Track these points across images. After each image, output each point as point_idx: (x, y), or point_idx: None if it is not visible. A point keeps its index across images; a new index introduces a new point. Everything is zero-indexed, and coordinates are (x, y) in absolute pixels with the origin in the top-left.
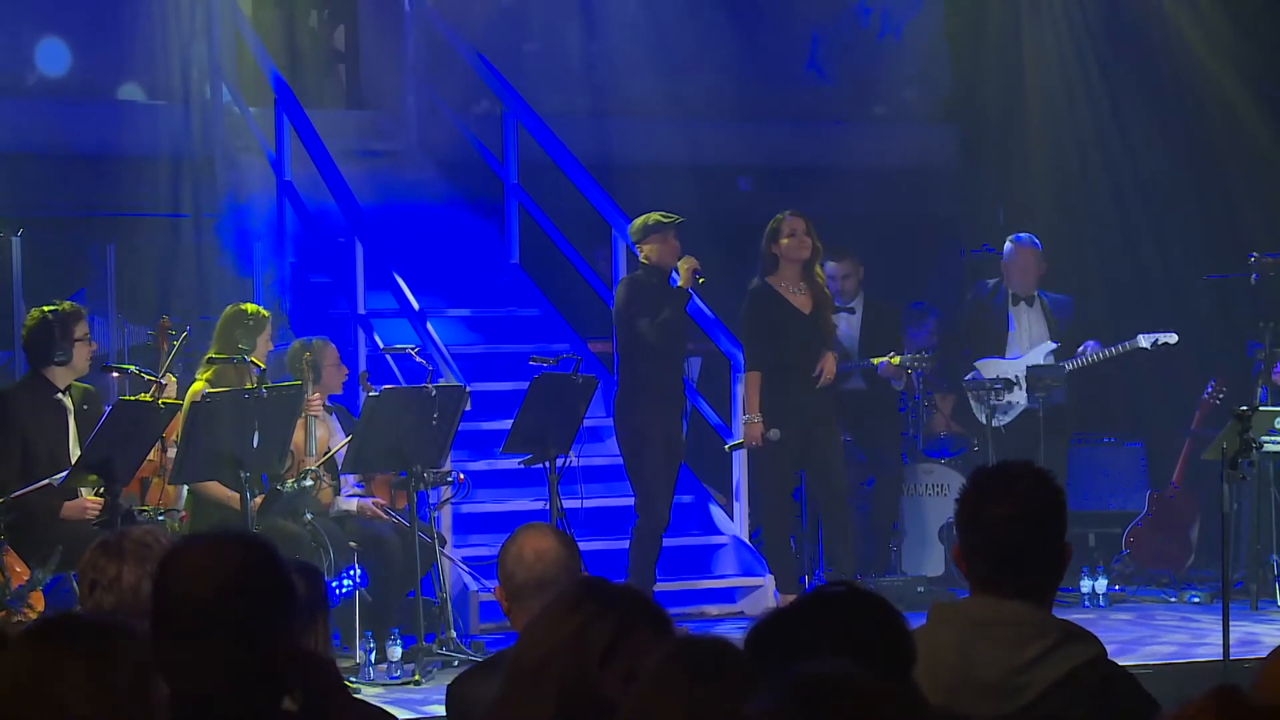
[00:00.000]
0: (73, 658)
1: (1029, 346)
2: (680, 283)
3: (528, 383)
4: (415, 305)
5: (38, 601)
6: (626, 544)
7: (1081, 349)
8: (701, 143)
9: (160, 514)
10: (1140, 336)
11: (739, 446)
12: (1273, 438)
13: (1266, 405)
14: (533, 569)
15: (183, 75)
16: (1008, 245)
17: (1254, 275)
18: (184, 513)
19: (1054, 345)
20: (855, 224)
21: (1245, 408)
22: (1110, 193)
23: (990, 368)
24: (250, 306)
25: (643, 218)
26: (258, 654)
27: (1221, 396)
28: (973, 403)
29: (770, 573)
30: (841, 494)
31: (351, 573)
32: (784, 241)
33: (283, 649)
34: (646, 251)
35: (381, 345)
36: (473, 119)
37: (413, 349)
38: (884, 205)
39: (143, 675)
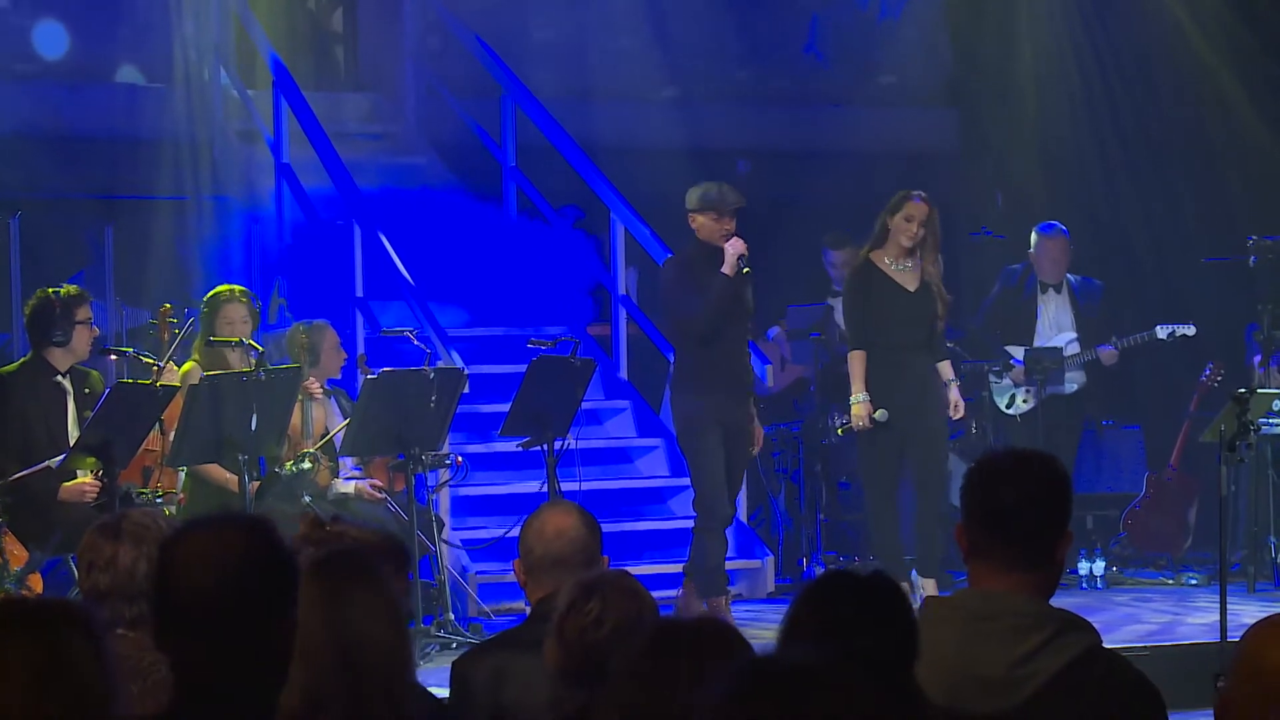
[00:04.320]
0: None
1: (1055, 334)
2: (725, 268)
3: (526, 365)
4: (414, 287)
5: (36, 583)
6: (624, 526)
7: (1095, 353)
8: (700, 125)
9: (158, 496)
10: (1158, 328)
11: (849, 429)
12: (1271, 420)
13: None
14: (551, 546)
15: (181, 57)
16: (1035, 235)
17: (1252, 258)
18: (181, 495)
19: (1074, 335)
20: (854, 207)
21: (1243, 390)
22: (1106, 176)
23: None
24: (222, 288)
25: (703, 186)
26: (261, 637)
27: (1220, 379)
28: (992, 386)
29: (872, 558)
30: (937, 480)
31: None
32: (899, 222)
33: (286, 631)
34: (697, 225)
35: (380, 328)
36: (471, 101)
37: (411, 332)
38: (883, 188)
39: (94, 662)
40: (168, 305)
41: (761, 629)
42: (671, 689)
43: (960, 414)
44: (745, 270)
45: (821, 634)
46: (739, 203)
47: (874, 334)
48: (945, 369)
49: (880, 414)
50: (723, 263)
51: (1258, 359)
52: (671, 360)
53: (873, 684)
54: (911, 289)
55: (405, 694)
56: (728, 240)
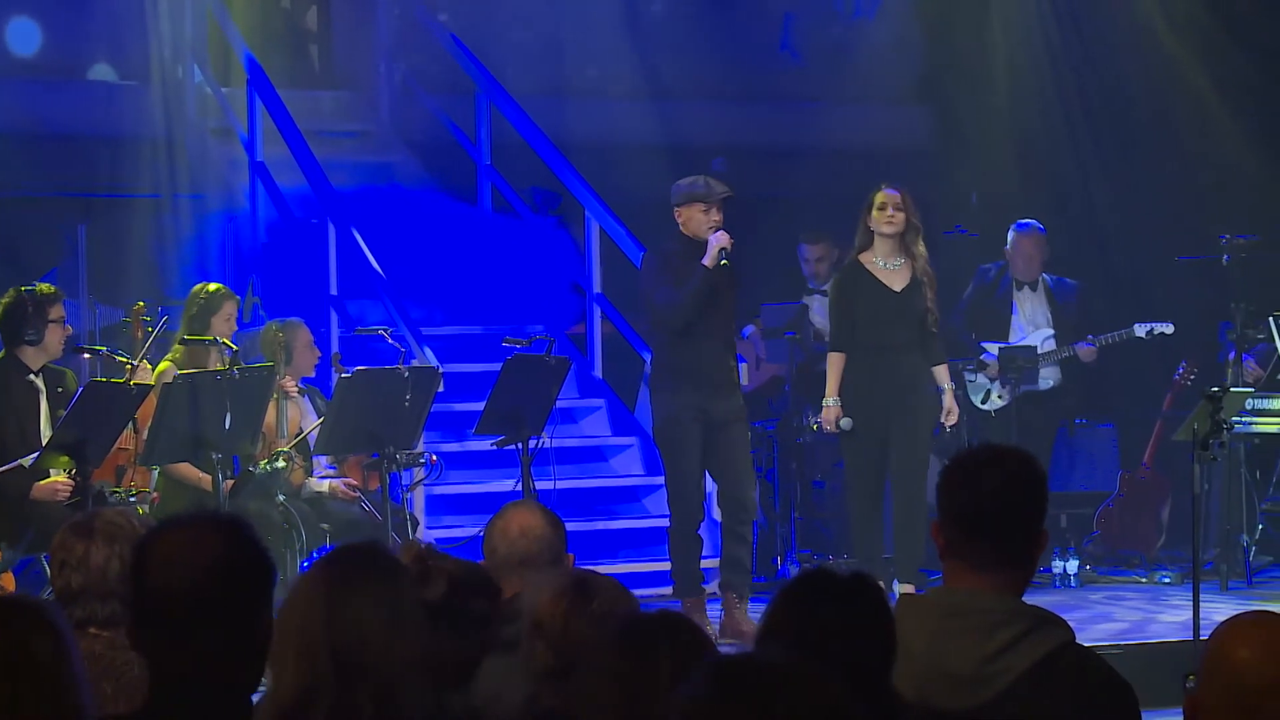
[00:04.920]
0: None
1: (1031, 331)
2: (706, 260)
3: (501, 364)
4: (388, 285)
5: (8, 582)
6: (599, 525)
7: (1073, 350)
8: (675, 123)
9: (132, 495)
10: (1136, 325)
11: (819, 428)
12: (1243, 418)
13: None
14: (515, 545)
15: (155, 55)
16: (1011, 233)
17: (1225, 256)
18: (155, 494)
19: (1052, 332)
20: (829, 205)
21: (1216, 389)
22: (1081, 174)
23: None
24: (208, 286)
25: (689, 179)
26: (236, 636)
27: (1193, 378)
28: (968, 383)
29: (846, 557)
30: (917, 483)
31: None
32: (875, 214)
33: (262, 630)
34: (682, 219)
35: (355, 327)
36: (446, 99)
37: (385, 330)
38: (858, 186)
39: (59, 660)
40: (141, 304)
41: None
42: (640, 685)
43: (954, 420)
44: (725, 264)
45: (800, 634)
46: (726, 192)
47: (859, 335)
48: (941, 374)
49: (845, 422)
50: (704, 257)
51: (1231, 356)
52: (648, 358)
53: (844, 684)
54: (898, 288)
55: (398, 697)
56: (715, 232)
